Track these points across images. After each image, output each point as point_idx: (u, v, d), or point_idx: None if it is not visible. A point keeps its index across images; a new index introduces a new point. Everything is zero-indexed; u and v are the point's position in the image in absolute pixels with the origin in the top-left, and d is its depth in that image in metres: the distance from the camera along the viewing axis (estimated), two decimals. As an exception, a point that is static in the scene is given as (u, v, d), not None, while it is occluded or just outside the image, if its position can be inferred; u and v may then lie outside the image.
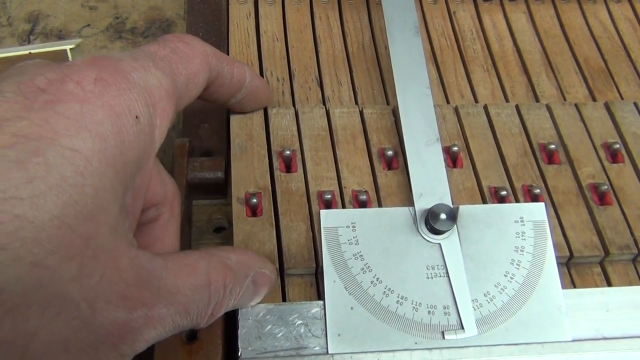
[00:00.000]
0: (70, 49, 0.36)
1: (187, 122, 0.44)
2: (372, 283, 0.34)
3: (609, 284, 0.36)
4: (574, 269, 0.37)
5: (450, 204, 0.36)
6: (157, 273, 0.26)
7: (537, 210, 0.36)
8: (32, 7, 0.57)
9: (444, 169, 0.37)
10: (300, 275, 0.35)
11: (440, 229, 0.35)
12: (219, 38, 0.48)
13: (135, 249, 0.26)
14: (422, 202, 0.36)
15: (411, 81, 0.39)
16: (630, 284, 0.36)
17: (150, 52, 0.29)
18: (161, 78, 0.28)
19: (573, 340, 0.34)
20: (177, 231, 0.33)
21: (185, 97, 0.31)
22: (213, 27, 0.49)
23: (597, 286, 0.36)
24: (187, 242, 0.39)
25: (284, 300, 0.35)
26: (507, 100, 0.43)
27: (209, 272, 0.28)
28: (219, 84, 0.34)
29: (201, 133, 0.43)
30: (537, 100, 0.43)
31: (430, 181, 0.37)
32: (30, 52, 0.36)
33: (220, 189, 0.41)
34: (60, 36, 0.55)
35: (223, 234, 0.41)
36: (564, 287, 0.35)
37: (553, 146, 0.39)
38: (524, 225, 0.36)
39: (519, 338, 0.33)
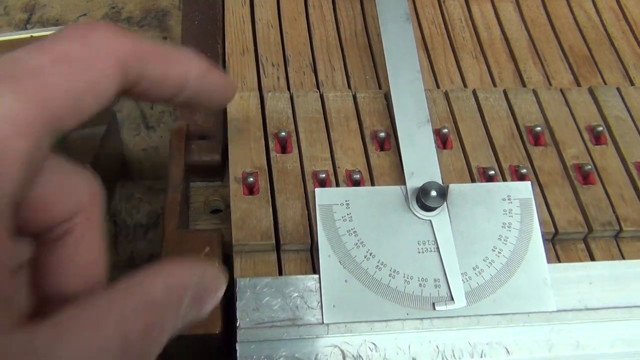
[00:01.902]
0: (72, 32, 0.37)
1: (183, 107, 0.45)
2: (365, 257, 0.35)
3: (592, 259, 0.38)
4: (559, 245, 0.38)
5: (440, 182, 0.37)
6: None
7: (524, 189, 0.38)
8: (30, -3, 0.58)
9: (435, 149, 0.38)
10: (295, 251, 0.37)
11: (431, 206, 0.36)
12: (214, 26, 0.50)
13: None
14: (414, 181, 0.37)
15: (402, 65, 0.41)
16: (613, 258, 0.38)
17: (17, 63, 0.21)
18: (12, 106, 0.20)
19: (558, 311, 0.35)
20: (97, 246, 0.24)
21: (75, 115, 0.23)
22: (208, 16, 0.51)
23: (581, 261, 0.38)
24: (185, 223, 0.40)
25: (280, 275, 0.36)
26: (495, 86, 0.44)
27: (121, 323, 0.21)
28: (146, 87, 0.26)
29: (197, 118, 0.44)
30: (524, 86, 0.44)
31: (421, 161, 0.38)
32: (32, 36, 0.37)
33: (217, 171, 0.42)
34: (57, 25, 0.56)
35: (219, 215, 0.42)
36: (549, 262, 0.37)
37: (539, 128, 0.41)
38: (511, 203, 0.37)
39: (506, 308, 0.35)
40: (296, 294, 0.35)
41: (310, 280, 0.35)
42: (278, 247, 0.36)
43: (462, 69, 0.45)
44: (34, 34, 0.37)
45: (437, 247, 0.36)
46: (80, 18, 0.57)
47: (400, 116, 0.39)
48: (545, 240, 0.37)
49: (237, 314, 0.34)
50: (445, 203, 0.37)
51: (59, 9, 0.57)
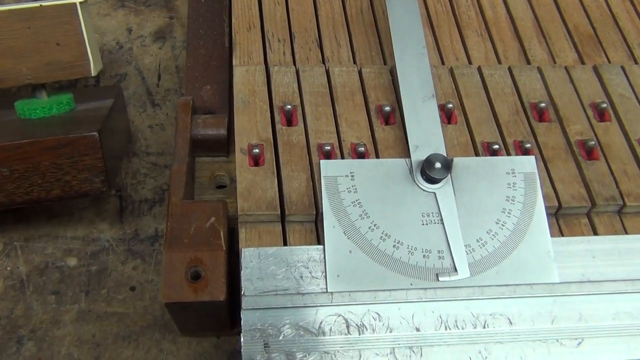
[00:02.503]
0: (80, 2, 0.38)
1: (189, 84, 0.45)
2: (369, 228, 0.35)
3: (596, 234, 0.38)
4: (562, 220, 0.38)
5: (445, 155, 0.37)
6: None
7: (528, 163, 0.38)
8: (36, -24, 0.58)
9: (439, 123, 0.39)
10: (300, 222, 0.37)
11: (436, 177, 0.36)
12: (220, 4, 0.50)
13: None
14: (418, 154, 0.37)
15: (408, 40, 0.41)
16: (616, 233, 0.38)
17: None
18: None
19: (561, 283, 0.35)
20: None
21: None
22: (215, -5, 0.51)
23: (584, 235, 0.38)
24: (190, 196, 0.40)
25: (285, 245, 0.36)
26: (499, 63, 0.44)
27: None
28: None
29: (203, 94, 0.45)
30: (529, 64, 0.44)
31: (426, 134, 0.38)
32: (41, 5, 0.37)
33: (223, 146, 0.42)
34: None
35: (225, 190, 0.42)
36: (553, 236, 0.37)
37: (543, 105, 0.41)
38: (515, 176, 0.38)
39: (509, 280, 0.35)
40: (301, 264, 0.35)
41: (314, 251, 0.35)
42: (283, 218, 0.36)
43: (467, 46, 0.45)
44: (43, 3, 0.37)
45: (441, 219, 0.36)
46: (86, -3, 0.57)
47: (405, 90, 0.39)
48: (549, 215, 0.37)
49: (242, 283, 0.34)
50: (449, 175, 0.37)
51: (65, -12, 0.57)
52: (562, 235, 0.38)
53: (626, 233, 0.38)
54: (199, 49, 0.47)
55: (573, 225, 0.38)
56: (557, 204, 0.38)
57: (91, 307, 0.42)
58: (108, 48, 0.54)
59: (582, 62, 0.45)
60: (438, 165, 0.36)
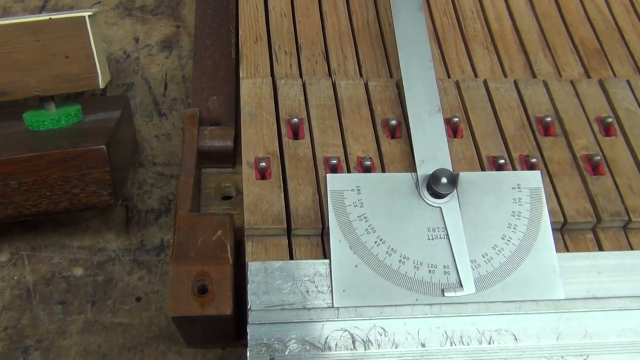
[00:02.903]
0: (89, 15, 0.38)
1: (196, 95, 0.45)
2: (375, 243, 0.36)
3: (601, 249, 0.38)
4: (568, 235, 0.38)
5: (451, 170, 0.37)
6: None
7: (534, 178, 0.38)
8: (44, -16, 0.58)
9: (445, 137, 0.39)
10: (306, 236, 0.37)
11: (442, 192, 0.36)
12: (227, 15, 0.50)
13: None
14: (424, 168, 0.38)
15: (414, 54, 0.41)
16: (621, 249, 0.38)
17: None
18: None
19: (566, 299, 0.35)
20: None
21: None
22: (222, 4, 0.51)
23: (589, 251, 0.38)
24: (197, 207, 0.41)
25: (291, 259, 0.36)
26: (505, 76, 0.44)
27: None
28: None
29: (210, 105, 0.45)
30: (535, 77, 0.45)
31: (432, 148, 0.38)
32: (50, 18, 0.37)
33: (229, 157, 0.43)
34: (71, 12, 0.56)
35: (231, 201, 0.42)
36: (558, 251, 0.37)
37: (549, 119, 0.41)
38: (520, 191, 0.38)
39: (514, 296, 0.35)
40: (307, 278, 0.35)
41: (320, 265, 0.35)
42: (289, 231, 0.37)
43: (473, 59, 0.45)
44: (53, 16, 0.37)
45: (447, 234, 0.36)
46: (94, 6, 0.57)
47: (411, 104, 0.40)
48: (554, 230, 0.38)
49: (248, 297, 0.34)
50: (455, 190, 0.37)
51: (73, -3, 0.58)
52: (568, 251, 0.38)
53: (632, 248, 0.38)
54: (206, 60, 0.48)
55: (578, 240, 0.38)
56: (562, 219, 0.38)
57: (97, 318, 0.42)
58: (115, 57, 0.54)
59: (588, 76, 0.45)
60: (444, 180, 0.36)
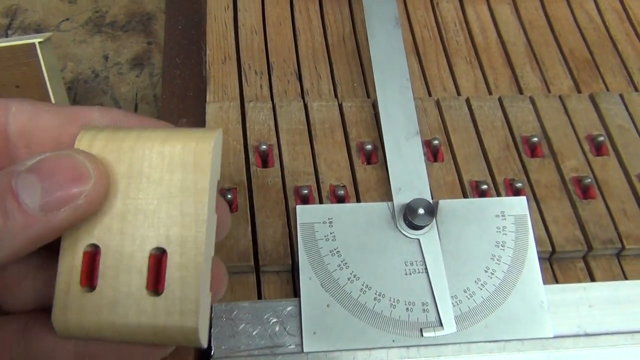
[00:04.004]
0: (39, 42, 0.35)
1: (164, 118, 0.43)
2: (349, 280, 0.33)
3: (593, 279, 0.35)
4: (557, 264, 0.36)
5: (429, 198, 0.35)
6: None
7: (519, 205, 0.36)
8: (11, 2, 0.56)
9: (424, 163, 0.36)
10: (276, 272, 0.35)
11: (419, 224, 0.34)
12: (198, 31, 0.48)
13: None
14: (401, 197, 0.35)
15: (391, 73, 0.39)
16: (614, 279, 0.35)
17: None
18: None
19: (554, 337, 0.33)
20: None
21: None
22: (192, 21, 0.49)
23: (580, 281, 0.35)
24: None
25: (259, 298, 0.34)
26: (490, 93, 0.42)
27: None
28: None
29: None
30: (521, 93, 0.42)
31: (410, 175, 0.36)
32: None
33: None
34: (39, 30, 0.54)
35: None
36: (546, 282, 0.34)
37: (536, 139, 0.38)
38: (505, 219, 0.35)
39: (498, 335, 0.33)
40: (275, 320, 0.32)
41: (290, 305, 0.33)
42: (257, 268, 0.34)
43: (456, 75, 0.43)
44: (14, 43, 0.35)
45: (426, 268, 0.34)
46: (62, 23, 0.55)
47: (387, 127, 0.37)
48: (541, 260, 0.35)
49: (212, 342, 0.32)
50: (434, 221, 0.35)
51: (41, 14, 0.56)
52: (557, 281, 0.35)
53: (626, 278, 0.36)
54: (176, 79, 0.45)
55: (568, 270, 0.36)
56: (550, 248, 0.35)
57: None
58: (83, 77, 0.51)
59: (578, 90, 0.43)
60: (421, 211, 0.34)
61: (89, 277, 0.24)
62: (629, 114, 0.41)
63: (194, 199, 0.24)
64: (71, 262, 0.24)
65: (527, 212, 0.35)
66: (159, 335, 0.24)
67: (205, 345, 0.25)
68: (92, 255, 0.24)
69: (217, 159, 0.26)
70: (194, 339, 0.24)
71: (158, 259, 0.24)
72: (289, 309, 0.33)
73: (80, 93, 0.50)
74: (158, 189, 0.24)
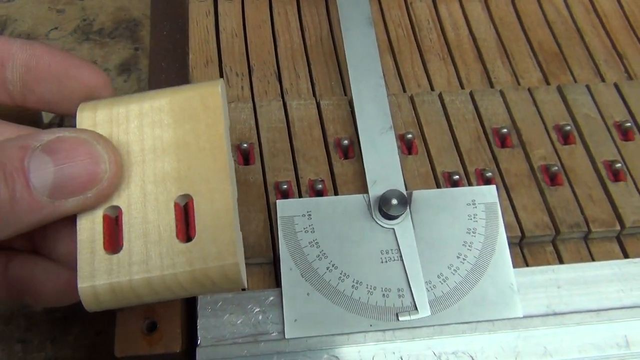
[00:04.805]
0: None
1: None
2: (327, 269, 0.35)
3: (561, 262, 0.37)
4: (527, 249, 0.38)
5: (403, 190, 0.37)
6: None
7: (489, 193, 0.37)
8: (0, 12, 0.58)
9: (397, 156, 0.38)
10: (259, 264, 0.36)
11: (393, 214, 0.36)
12: (183, 35, 0.49)
13: None
14: (376, 189, 0.37)
15: (365, 71, 0.40)
16: (582, 260, 0.37)
17: None
18: None
19: (524, 317, 0.35)
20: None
21: None
22: (177, 25, 0.50)
23: (549, 264, 0.37)
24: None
25: (243, 290, 0.35)
26: (462, 88, 0.44)
27: None
28: None
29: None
30: (492, 86, 0.44)
31: (384, 168, 0.38)
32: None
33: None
34: (28, 39, 0.56)
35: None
36: (517, 266, 0.36)
37: (505, 130, 0.40)
38: (475, 207, 0.37)
39: (471, 316, 0.34)
40: (257, 309, 0.34)
41: (272, 295, 0.35)
42: (241, 261, 0.36)
43: (430, 71, 0.44)
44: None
45: (401, 256, 0.35)
46: (51, 32, 0.57)
47: (362, 123, 0.39)
48: (512, 245, 0.37)
49: (198, 332, 0.33)
50: (408, 210, 0.36)
51: (31, 23, 0.57)
52: (527, 265, 0.37)
53: (593, 260, 0.37)
54: (161, 84, 0.47)
55: (538, 253, 0.38)
56: (520, 234, 0.37)
57: (57, 355, 0.42)
58: (73, 84, 0.53)
59: (547, 82, 0.44)
60: (394, 201, 0.36)
61: (114, 240, 0.23)
62: (595, 104, 0.42)
63: (211, 144, 0.23)
64: (91, 227, 0.23)
65: (497, 200, 0.37)
66: (199, 282, 0.23)
67: (245, 284, 0.24)
68: (113, 218, 0.23)
69: (225, 106, 0.25)
70: (236, 278, 0.22)
71: (184, 207, 0.23)
72: (271, 298, 0.35)
73: (70, 99, 0.51)
74: (173, 141, 0.24)
